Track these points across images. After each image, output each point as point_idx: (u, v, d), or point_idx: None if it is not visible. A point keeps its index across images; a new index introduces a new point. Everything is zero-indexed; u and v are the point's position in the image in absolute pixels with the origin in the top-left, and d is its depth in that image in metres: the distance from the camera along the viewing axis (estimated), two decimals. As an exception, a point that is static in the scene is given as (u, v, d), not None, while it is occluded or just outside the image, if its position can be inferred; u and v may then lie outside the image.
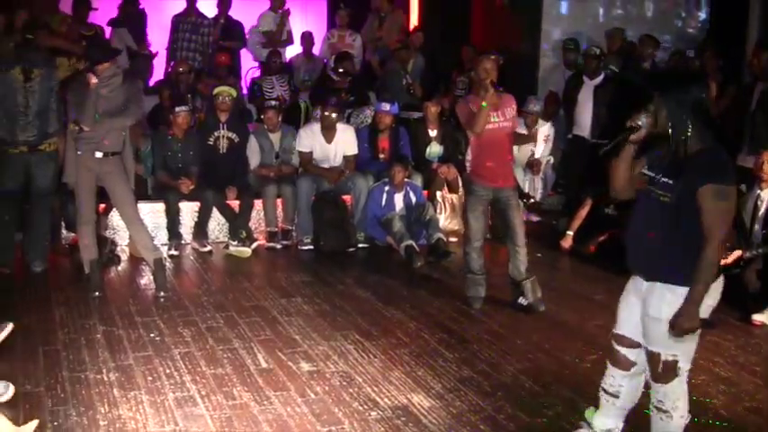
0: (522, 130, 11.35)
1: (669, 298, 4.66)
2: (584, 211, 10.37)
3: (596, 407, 5.36)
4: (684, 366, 4.81)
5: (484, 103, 7.69)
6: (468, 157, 8.05)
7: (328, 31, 14.67)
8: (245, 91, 13.61)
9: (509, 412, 5.93)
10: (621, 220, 9.49)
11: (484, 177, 8.03)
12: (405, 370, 6.65)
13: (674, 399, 4.84)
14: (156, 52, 13.71)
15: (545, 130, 11.60)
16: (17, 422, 5.47)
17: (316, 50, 14.22)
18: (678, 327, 4.62)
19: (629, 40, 13.15)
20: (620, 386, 5.17)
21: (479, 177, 8.08)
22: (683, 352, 4.78)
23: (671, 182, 4.62)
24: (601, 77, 11.66)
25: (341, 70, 12.75)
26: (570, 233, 10.39)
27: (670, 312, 4.63)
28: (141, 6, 13.88)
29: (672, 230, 4.62)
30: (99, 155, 8.24)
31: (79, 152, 8.27)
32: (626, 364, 5.11)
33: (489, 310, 8.20)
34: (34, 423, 5.38)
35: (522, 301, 8.19)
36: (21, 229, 9.51)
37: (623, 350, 5.10)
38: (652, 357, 4.84)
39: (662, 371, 4.79)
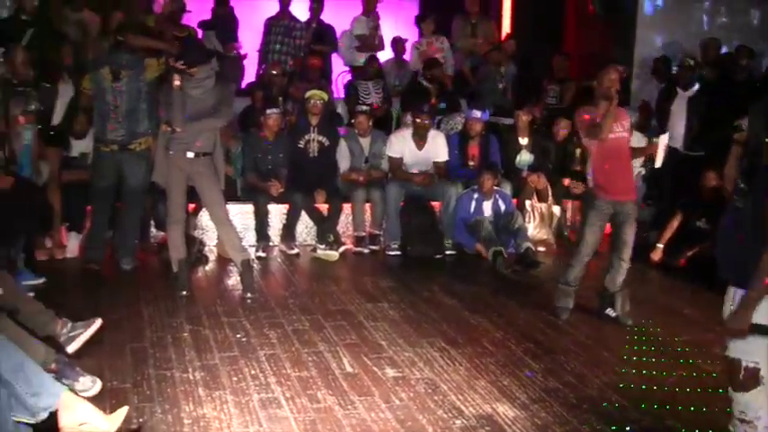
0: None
1: None
2: (674, 224, 10.21)
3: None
4: (767, 375, 4.70)
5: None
6: (589, 171, 7.92)
7: (417, 39, 14.58)
8: (335, 94, 13.64)
9: (595, 426, 5.82)
10: (713, 233, 9.36)
11: (607, 191, 7.87)
12: (490, 379, 6.57)
13: (757, 408, 4.71)
14: (245, 54, 13.78)
15: (664, 139, 11.39)
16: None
17: (406, 56, 14.19)
18: (725, 328, 4.64)
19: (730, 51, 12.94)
20: None
21: (602, 191, 7.91)
22: (763, 358, 4.67)
23: (744, 187, 4.58)
24: (695, 88, 11.45)
25: (430, 76, 12.76)
26: (660, 246, 10.21)
27: None
28: (232, 9, 13.94)
29: (746, 237, 4.55)
30: (190, 155, 8.30)
31: (171, 152, 8.33)
32: None
33: (576, 321, 8.08)
34: (124, 410, 5.41)
35: (609, 312, 8.09)
36: (111, 227, 9.64)
37: None
38: (732, 365, 4.74)
39: (743, 378, 4.68)
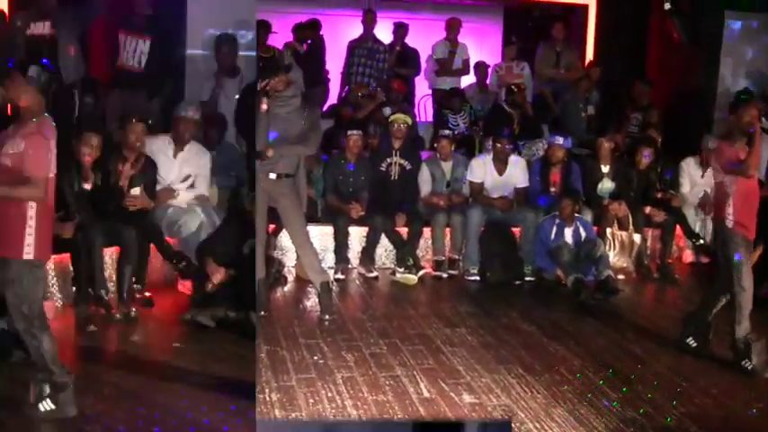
0: (698, 171, 11.45)
1: None
2: (756, 255, 10.06)
3: None
4: None
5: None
6: (730, 209, 7.70)
7: (497, 64, 14.58)
8: (418, 118, 13.68)
9: (674, 457, 5.79)
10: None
11: (748, 229, 7.68)
12: (567, 407, 6.51)
13: None
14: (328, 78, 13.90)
15: None
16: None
17: (488, 80, 14.21)
18: None
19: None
20: None
21: (745, 229, 7.68)
22: None
23: None
24: (782, 117, 11.32)
25: (512, 101, 12.77)
26: (743, 277, 10.09)
27: None
28: (320, 32, 13.97)
29: None
30: (273, 176, 8.36)
31: (254, 172, 8.43)
32: None
33: (654, 351, 7.99)
34: None
35: (690, 341, 8.00)
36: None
37: None
38: None
39: None
